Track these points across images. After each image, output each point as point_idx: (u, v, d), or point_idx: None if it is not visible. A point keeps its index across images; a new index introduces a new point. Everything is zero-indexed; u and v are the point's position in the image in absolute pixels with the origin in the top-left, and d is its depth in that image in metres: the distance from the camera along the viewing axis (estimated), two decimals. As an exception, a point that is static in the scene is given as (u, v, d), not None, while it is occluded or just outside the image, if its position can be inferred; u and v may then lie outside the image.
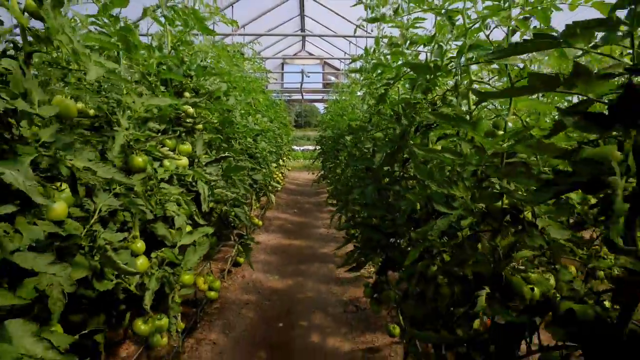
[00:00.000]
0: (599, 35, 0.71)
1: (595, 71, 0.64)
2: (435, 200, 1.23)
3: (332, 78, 13.87)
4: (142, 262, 1.55)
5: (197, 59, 2.65)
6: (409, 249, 1.79)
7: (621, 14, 0.68)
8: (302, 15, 11.77)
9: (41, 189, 1.02)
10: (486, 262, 1.24)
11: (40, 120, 0.98)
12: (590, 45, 0.67)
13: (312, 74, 13.86)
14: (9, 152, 0.86)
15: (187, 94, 2.39)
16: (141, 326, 1.65)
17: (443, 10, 1.60)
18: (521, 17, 1.14)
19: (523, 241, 1.20)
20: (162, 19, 2.14)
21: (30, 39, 1.05)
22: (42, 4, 0.96)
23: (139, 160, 1.54)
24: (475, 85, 1.66)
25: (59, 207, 1.07)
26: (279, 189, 7.94)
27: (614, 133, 0.61)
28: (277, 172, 6.91)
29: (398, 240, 1.97)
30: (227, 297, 3.66)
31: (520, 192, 1.20)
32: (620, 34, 0.62)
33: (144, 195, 1.45)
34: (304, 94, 14.54)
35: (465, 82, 1.51)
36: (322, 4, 10.28)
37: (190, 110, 2.34)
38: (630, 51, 0.66)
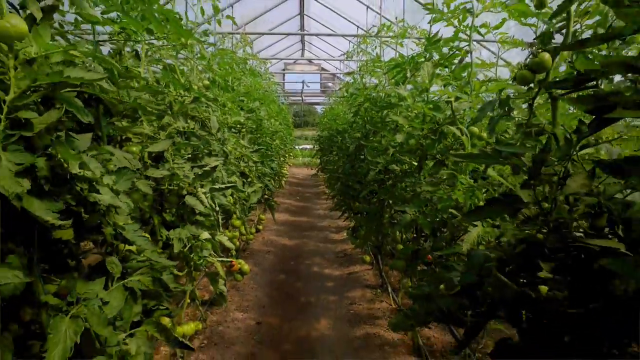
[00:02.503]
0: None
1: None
2: (371, 164, 2.76)
3: (330, 84, 15.44)
4: (229, 198, 3.09)
5: (241, 86, 4.19)
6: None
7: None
8: (302, 26, 13.32)
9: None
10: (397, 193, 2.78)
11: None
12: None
13: (311, 84, 15.42)
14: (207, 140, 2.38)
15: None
16: (227, 233, 3.18)
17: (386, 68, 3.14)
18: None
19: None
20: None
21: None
22: (214, 83, 2.50)
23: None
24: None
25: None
26: (286, 178, 9.47)
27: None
28: (284, 164, 8.46)
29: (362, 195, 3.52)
30: (253, 248, 5.21)
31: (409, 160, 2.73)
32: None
33: (235, 162, 2.98)
34: (304, 97, 16.12)
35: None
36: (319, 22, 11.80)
37: (242, 120, 3.87)
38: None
